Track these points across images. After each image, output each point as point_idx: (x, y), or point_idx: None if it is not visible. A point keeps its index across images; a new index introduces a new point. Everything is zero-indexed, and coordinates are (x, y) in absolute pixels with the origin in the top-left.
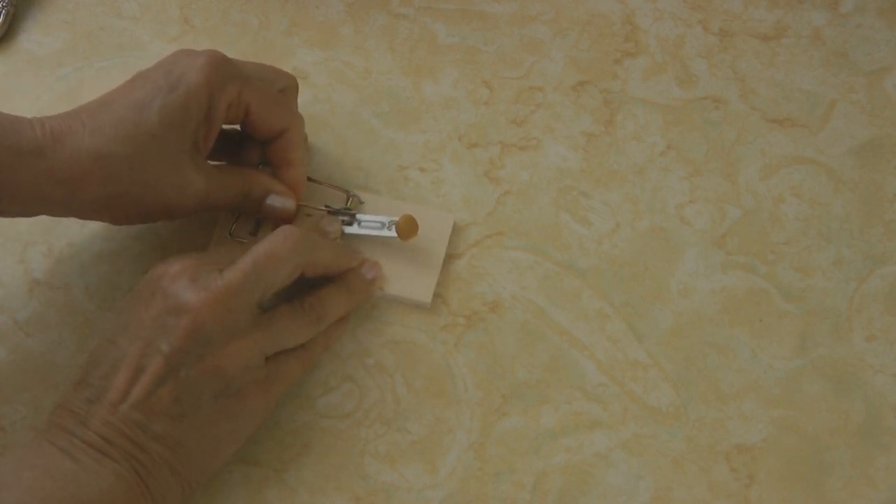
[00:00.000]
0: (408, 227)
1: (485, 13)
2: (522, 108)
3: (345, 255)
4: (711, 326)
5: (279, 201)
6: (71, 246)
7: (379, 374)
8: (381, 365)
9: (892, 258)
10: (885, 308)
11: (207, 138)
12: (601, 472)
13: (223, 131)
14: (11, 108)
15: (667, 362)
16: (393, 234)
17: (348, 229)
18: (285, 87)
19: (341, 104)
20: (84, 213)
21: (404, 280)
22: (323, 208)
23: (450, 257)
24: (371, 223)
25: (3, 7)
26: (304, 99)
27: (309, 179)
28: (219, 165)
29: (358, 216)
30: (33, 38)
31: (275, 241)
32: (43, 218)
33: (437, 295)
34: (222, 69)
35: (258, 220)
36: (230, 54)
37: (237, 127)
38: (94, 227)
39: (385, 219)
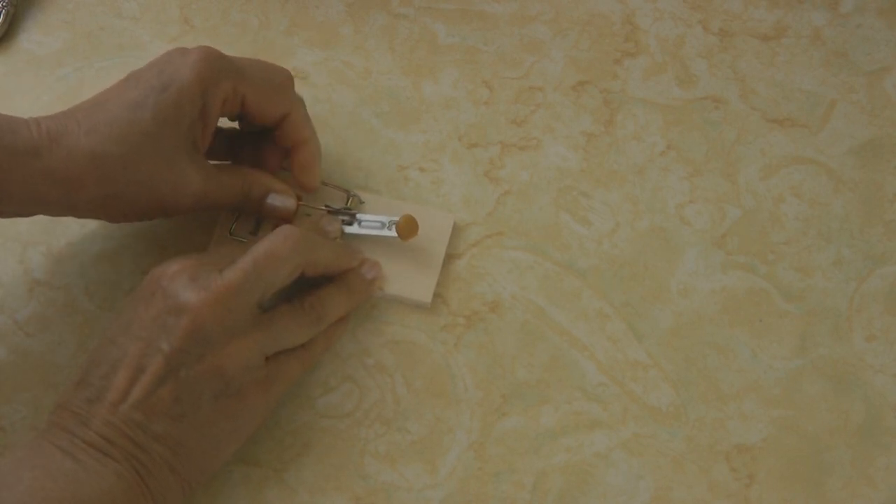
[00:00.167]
0: (408, 227)
1: (485, 13)
2: (522, 108)
3: (345, 254)
4: (711, 326)
5: (280, 200)
6: (71, 246)
7: (379, 374)
8: (381, 365)
9: (892, 258)
10: (885, 308)
11: (205, 135)
12: (601, 472)
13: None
14: (11, 108)
15: (667, 362)
16: (393, 234)
17: (348, 229)
18: (281, 81)
19: (341, 104)
20: (81, 213)
21: (404, 280)
22: (323, 208)
23: (450, 257)
24: (371, 223)
25: (3, 7)
26: (304, 99)
27: None
28: (219, 164)
29: (358, 216)
30: (33, 38)
31: (275, 241)
32: (42, 218)
33: (437, 295)
34: (215, 65)
35: (258, 219)
36: (230, 54)
37: (237, 126)
38: (93, 226)
39: (385, 219)
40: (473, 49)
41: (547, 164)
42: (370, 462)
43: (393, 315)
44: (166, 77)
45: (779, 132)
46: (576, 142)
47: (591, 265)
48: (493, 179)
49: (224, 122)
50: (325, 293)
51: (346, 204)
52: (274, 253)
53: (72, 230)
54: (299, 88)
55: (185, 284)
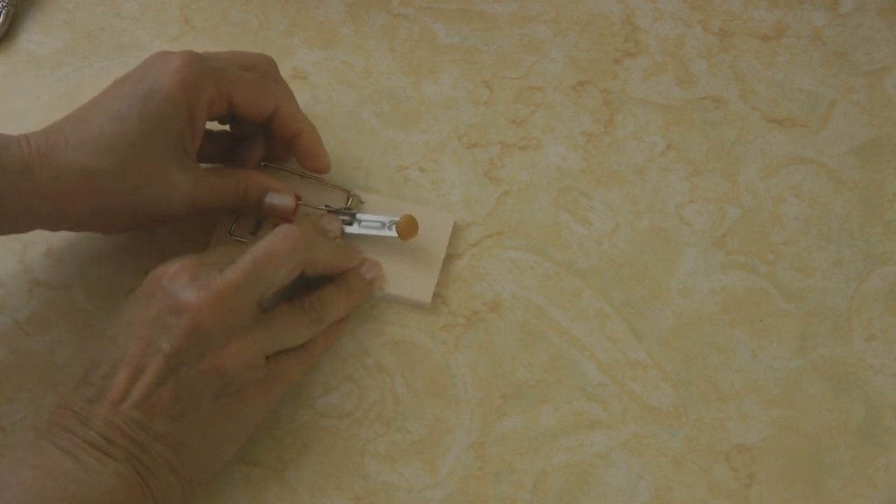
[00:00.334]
0: (408, 227)
1: (485, 13)
2: (522, 108)
3: (345, 254)
4: (711, 326)
5: (278, 199)
6: (71, 246)
7: (379, 374)
8: (381, 365)
9: (892, 258)
10: (885, 308)
11: (193, 140)
12: (601, 471)
13: (220, 133)
14: (11, 108)
15: (667, 362)
16: (393, 233)
17: (348, 229)
18: (265, 72)
19: (341, 104)
20: (74, 227)
21: (404, 280)
22: (323, 208)
23: (450, 257)
24: (371, 223)
25: (3, 7)
26: (304, 99)
27: (309, 178)
28: (212, 167)
29: (358, 216)
30: (33, 38)
31: (274, 240)
32: None
33: (437, 295)
34: (196, 69)
35: (258, 219)
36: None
37: (226, 128)
38: None
39: (385, 218)
40: (473, 49)
41: (547, 164)
42: (370, 462)
43: (393, 315)
44: (148, 86)
45: (779, 132)
46: (576, 142)
47: (591, 265)
48: (493, 179)
49: (217, 126)
50: (326, 293)
51: (346, 204)
52: (273, 252)
53: None
54: (299, 88)
55: (185, 284)
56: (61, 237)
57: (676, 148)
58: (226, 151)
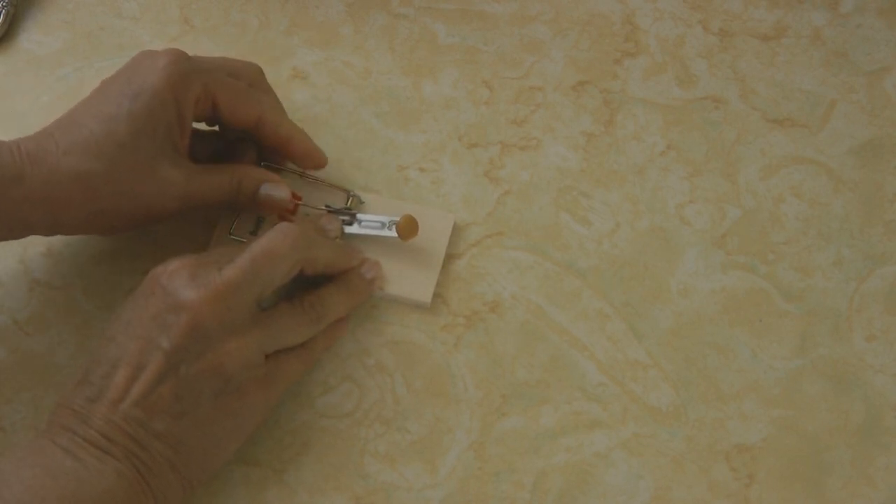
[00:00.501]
0: (408, 227)
1: (485, 13)
2: (522, 108)
3: (344, 254)
4: (711, 326)
5: (273, 189)
6: (70, 246)
7: (379, 373)
8: (381, 365)
9: (892, 258)
10: (885, 308)
11: (183, 136)
12: (601, 471)
13: (211, 134)
14: (11, 108)
15: (667, 362)
16: (393, 233)
17: (348, 229)
18: (252, 81)
19: (341, 104)
20: (69, 231)
21: (404, 280)
22: (323, 208)
23: (450, 257)
24: (371, 223)
25: (3, 7)
26: (304, 99)
27: (309, 178)
28: (206, 164)
29: (358, 216)
30: (33, 38)
31: (273, 238)
32: None
33: (437, 295)
34: (183, 67)
35: (258, 218)
36: (230, 54)
37: (216, 128)
38: None
39: (385, 219)
40: (473, 49)
41: (547, 164)
42: (370, 462)
43: (393, 315)
44: (136, 85)
45: (779, 132)
46: (576, 142)
47: (591, 265)
48: (493, 179)
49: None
50: (325, 292)
51: (346, 204)
52: (272, 250)
53: None
54: (299, 88)
55: (184, 282)
56: (61, 237)
57: (676, 148)
58: (218, 152)
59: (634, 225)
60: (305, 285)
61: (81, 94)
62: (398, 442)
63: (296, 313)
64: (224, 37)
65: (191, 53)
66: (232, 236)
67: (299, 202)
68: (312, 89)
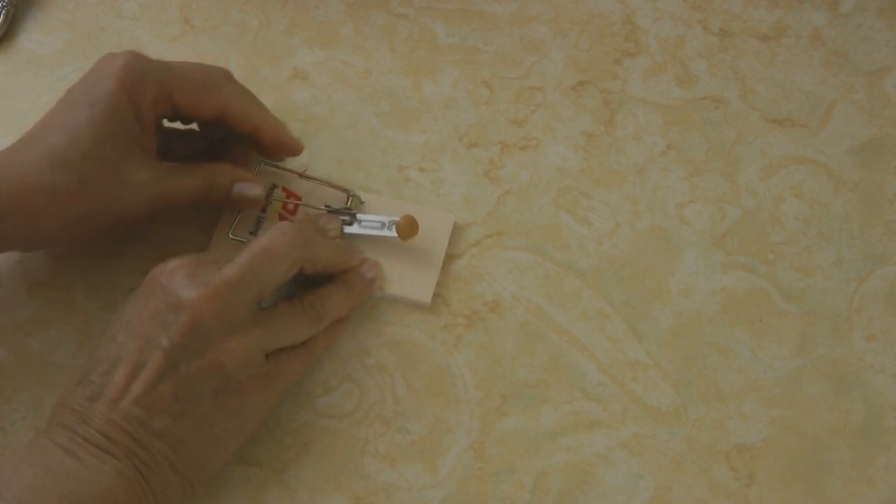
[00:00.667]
0: (408, 227)
1: (485, 13)
2: (522, 108)
3: (344, 253)
4: (711, 326)
5: (247, 188)
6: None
7: (379, 374)
8: (381, 365)
9: (892, 258)
10: (885, 308)
11: (147, 137)
12: (601, 471)
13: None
14: (11, 108)
15: (667, 362)
16: (393, 233)
17: (348, 229)
18: (212, 73)
19: (341, 104)
20: (44, 244)
21: (404, 280)
22: (323, 208)
23: (450, 257)
24: (371, 223)
25: (3, 7)
26: (304, 99)
27: (308, 178)
28: (178, 164)
29: (358, 216)
30: (33, 38)
31: (272, 237)
32: None
33: (437, 295)
34: (137, 67)
35: (259, 219)
36: (230, 54)
37: (194, 126)
38: None
39: (385, 218)
40: (473, 49)
41: (547, 164)
42: (370, 462)
43: (393, 315)
44: (93, 93)
45: (779, 132)
46: (576, 142)
47: (591, 265)
48: (493, 179)
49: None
50: (325, 292)
51: (346, 204)
52: (271, 249)
53: None
54: (299, 88)
55: (183, 281)
56: None
57: (676, 148)
58: (202, 152)
59: (634, 225)
60: (306, 285)
61: None
62: (398, 442)
63: (296, 312)
64: (224, 37)
65: (191, 53)
66: (232, 237)
67: (299, 202)
68: (312, 89)
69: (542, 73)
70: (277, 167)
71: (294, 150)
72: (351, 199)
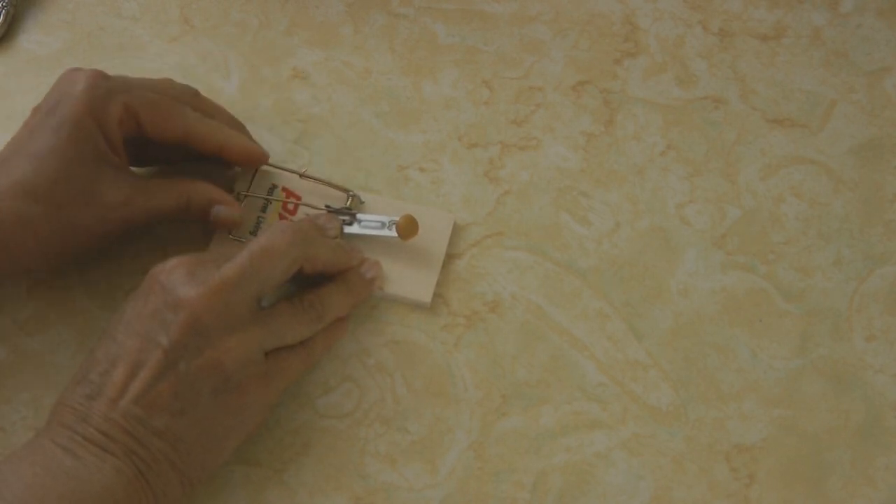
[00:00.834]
0: (408, 227)
1: (485, 13)
2: (522, 108)
3: (344, 253)
4: (711, 326)
5: (224, 211)
6: None
7: (379, 374)
8: (381, 365)
9: (892, 258)
10: (885, 308)
11: (118, 155)
12: (601, 471)
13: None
14: (11, 108)
15: (667, 362)
16: (393, 233)
17: (348, 229)
18: (176, 93)
19: (341, 104)
20: (17, 273)
21: (404, 280)
22: (323, 208)
23: (450, 257)
24: (371, 223)
25: (3, 7)
26: (304, 99)
27: (309, 178)
28: (154, 178)
29: (358, 216)
30: (33, 38)
31: (271, 236)
32: None
33: (437, 295)
34: (100, 88)
35: (259, 219)
36: (230, 54)
37: None
38: None
39: (385, 218)
40: (473, 49)
41: (547, 164)
42: (370, 462)
43: (393, 315)
44: (57, 117)
45: (779, 132)
46: (576, 142)
47: (591, 265)
48: (493, 179)
49: None
50: (325, 291)
51: (346, 204)
52: (271, 248)
53: None
54: (299, 88)
55: (182, 280)
56: None
57: (676, 148)
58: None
59: (634, 225)
60: (306, 285)
61: None
62: (398, 442)
63: (296, 311)
64: (224, 37)
65: (191, 53)
66: (232, 236)
67: (299, 202)
68: (312, 89)
69: (542, 73)
70: (277, 167)
71: (260, 159)
72: (351, 198)
